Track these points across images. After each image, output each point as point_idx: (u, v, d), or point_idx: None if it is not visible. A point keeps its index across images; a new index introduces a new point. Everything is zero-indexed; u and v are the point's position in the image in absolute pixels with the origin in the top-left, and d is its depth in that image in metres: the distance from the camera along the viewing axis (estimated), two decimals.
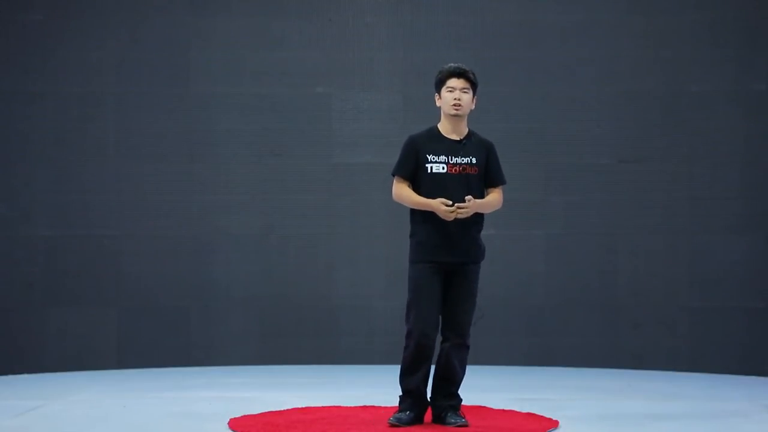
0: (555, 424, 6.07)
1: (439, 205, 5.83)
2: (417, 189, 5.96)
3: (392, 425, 5.88)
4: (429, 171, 5.92)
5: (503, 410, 6.50)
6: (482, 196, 5.98)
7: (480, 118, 8.72)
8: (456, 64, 6.02)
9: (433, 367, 5.99)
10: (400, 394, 6.00)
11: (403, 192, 5.98)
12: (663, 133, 8.70)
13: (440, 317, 5.96)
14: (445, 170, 5.91)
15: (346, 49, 8.83)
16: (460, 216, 5.83)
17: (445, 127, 6.00)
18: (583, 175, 8.72)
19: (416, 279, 5.93)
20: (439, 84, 5.99)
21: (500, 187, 6.03)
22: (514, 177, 8.69)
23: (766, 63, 8.62)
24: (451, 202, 5.83)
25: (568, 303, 8.73)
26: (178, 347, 8.74)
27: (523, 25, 8.80)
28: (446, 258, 5.91)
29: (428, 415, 6.04)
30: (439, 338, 5.99)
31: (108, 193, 8.73)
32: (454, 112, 5.94)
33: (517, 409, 6.54)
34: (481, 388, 7.36)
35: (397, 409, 5.99)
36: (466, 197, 5.83)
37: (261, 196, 8.79)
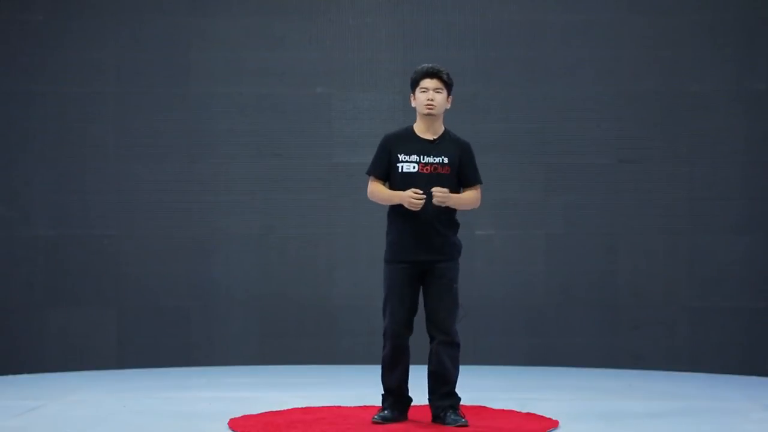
0: (555, 424, 6.07)
1: (407, 192, 5.84)
2: (391, 189, 6.00)
3: (376, 423, 5.94)
4: (400, 170, 5.96)
5: (503, 410, 6.50)
6: None
7: (480, 118, 8.76)
8: (430, 65, 6.06)
9: (426, 367, 6.01)
10: (382, 393, 6.06)
11: (375, 189, 6.03)
12: (663, 133, 8.70)
13: (425, 316, 5.98)
14: (416, 170, 5.95)
15: (346, 49, 8.83)
16: (436, 201, 5.82)
17: (419, 127, 6.04)
18: (583, 175, 8.72)
19: (389, 279, 5.98)
20: (414, 84, 6.03)
21: (477, 186, 6.04)
22: (514, 177, 8.74)
23: (766, 63, 8.62)
24: (421, 191, 5.84)
25: (568, 303, 8.73)
26: (178, 347, 8.74)
27: (523, 25, 8.80)
28: (418, 257, 5.94)
29: (428, 415, 6.05)
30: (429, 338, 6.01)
31: (108, 193, 8.73)
32: (427, 111, 5.97)
33: (517, 409, 6.54)
34: (481, 388, 7.36)
35: (380, 408, 6.05)
36: (434, 189, 5.83)
37: (261, 196, 8.79)
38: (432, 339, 5.98)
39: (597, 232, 8.73)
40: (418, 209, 5.84)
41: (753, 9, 8.65)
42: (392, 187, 5.99)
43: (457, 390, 6.03)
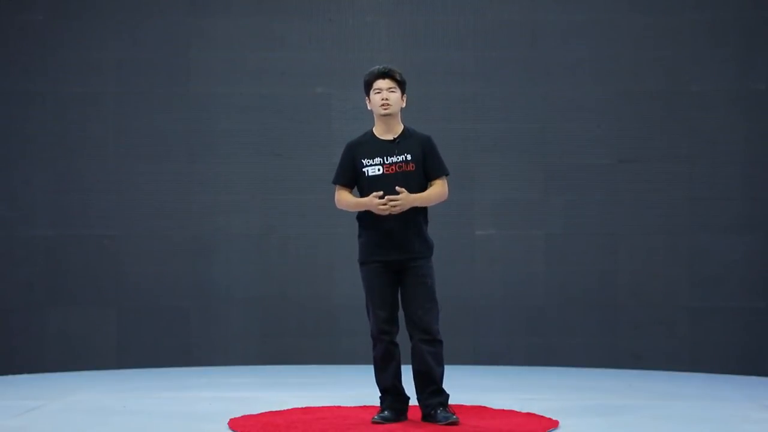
0: (555, 424, 6.06)
1: (371, 200, 5.91)
2: (361, 194, 6.06)
3: (376, 423, 5.95)
4: (366, 175, 6.00)
5: (503, 410, 6.49)
6: (423, 191, 6.00)
7: (480, 118, 8.76)
8: (382, 66, 6.12)
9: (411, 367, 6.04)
10: (379, 394, 6.08)
11: (342, 198, 6.08)
12: (663, 133, 8.70)
13: (404, 316, 6.01)
14: (381, 172, 5.99)
15: (346, 49, 8.83)
16: (394, 210, 5.87)
17: (378, 129, 6.09)
18: (583, 175, 8.73)
19: (366, 280, 6.05)
20: (367, 87, 6.09)
21: (442, 178, 6.06)
22: (514, 177, 8.74)
23: (766, 63, 8.62)
24: (381, 193, 5.90)
25: (568, 303, 8.73)
26: (178, 347, 8.74)
27: (523, 25, 8.80)
28: (390, 257, 5.97)
29: (418, 414, 6.05)
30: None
31: (108, 193, 8.73)
32: (383, 112, 6.02)
33: (517, 409, 6.54)
34: (481, 388, 7.36)
35: (379, 409, 6.06)
36: (397, 188, 5.88)
37: (261, 196, 8.80)
38: (411, 337, 6.00)
39: (597, 232, 8.73)
40: (387, 213, 5.88)
41: (753, 9, 8.65)
42: (361, 192, 6.06)
43: (448, 388, 6.04)
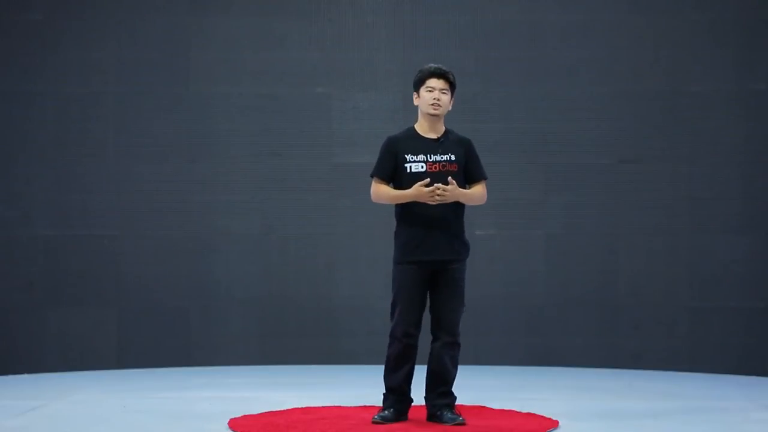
0: (555, 424, 6.07)
1: (418, 190, 5.85)
2: (398, 189, 5.99)
3: (376, 423, 5.94)
4: (408, 171, 5.95)
5: (503, 410, 6.50)
6: None
7: (480, 118, 8.76)
8: (437, 65, 6.08)
9: (425, 367, 6.01)
10: (384, 392, 6.05)
11: (380, 190, 6.02)
12: (663, 133, 8.70)
13: (431, 316, 5.99)
14: (424, 169, 5.94)
15: (346, 49, 8.83)
16: (440, 199, 5.84)
17: (422, 127, 6.05)
18: (583, 175, 8.73)
19: (399, 280, 5.97)
20: (419, 83, 6.03)
21: (482, 182, 6.06)
22: (514, 177, 8.74)
23: (766, 63, 8.62)
24: (428, 180, 5.85)
25: (568, 303, 8.73)
26: (178, 347, 8.74)
27: (523, 25, 8.80)
28: (429, 257, 5.93)
29: (424, 414, 6.05)
30: (430, 337, 6.00)
31: (108, 193, 8.73)
32: (433, 111, 5.98)
33: (517, 409, 6.54)
34: (481, 388, 7.36)
35: (381, 408, 6.05)
36: (449, 178, 5.86)
37: (261, 196, 8.79)
38: (435, 338, 5.98)
39: (597, 232, 8.73)
40: (435, 201, 5.84)
41: (753, 9, 8.65)
42: (400, 188, 5.97)
43: (455, 390, 6.04)
